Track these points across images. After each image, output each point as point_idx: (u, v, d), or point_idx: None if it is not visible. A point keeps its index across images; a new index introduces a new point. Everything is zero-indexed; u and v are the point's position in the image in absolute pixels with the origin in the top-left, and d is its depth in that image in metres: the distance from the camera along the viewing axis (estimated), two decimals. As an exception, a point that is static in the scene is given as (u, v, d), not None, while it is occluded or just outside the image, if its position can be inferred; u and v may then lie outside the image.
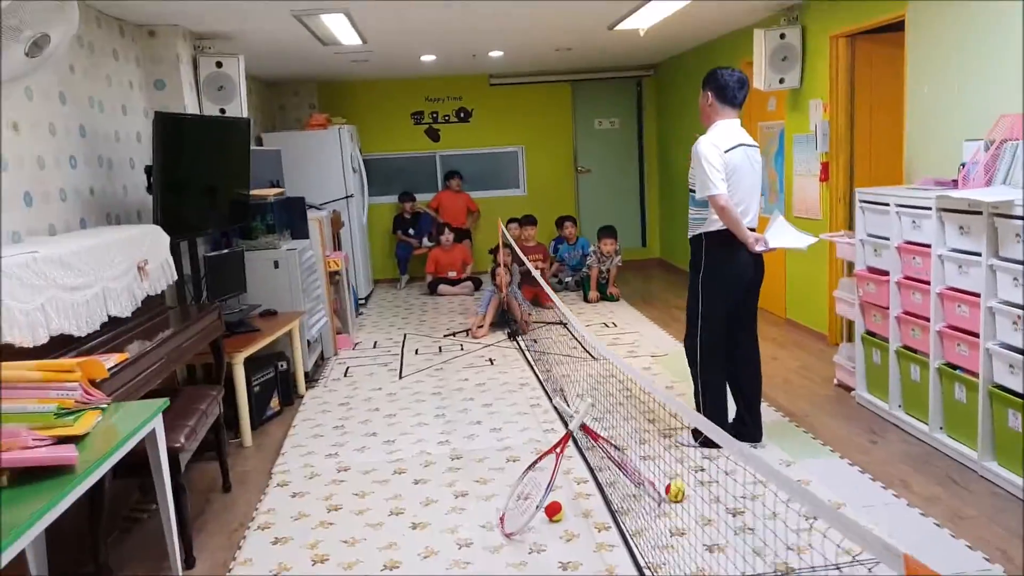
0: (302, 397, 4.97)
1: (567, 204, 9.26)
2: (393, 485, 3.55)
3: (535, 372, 5.17)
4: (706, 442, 3.68)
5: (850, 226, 5.14)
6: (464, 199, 9.01)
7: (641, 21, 5.58)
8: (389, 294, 8.55)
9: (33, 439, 2.09)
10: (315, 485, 3.60)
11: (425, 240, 8.90)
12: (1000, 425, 3.20)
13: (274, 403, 4.71)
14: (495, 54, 7.23)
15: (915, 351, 3.74)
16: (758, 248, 3.56)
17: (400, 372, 5.38)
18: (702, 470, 3.52)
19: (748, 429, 3.77)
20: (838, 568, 2.65)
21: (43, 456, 2.00)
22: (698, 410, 3.76)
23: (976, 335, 3.25)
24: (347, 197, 7.80)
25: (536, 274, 5.17)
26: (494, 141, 9.24)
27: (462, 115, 9.16)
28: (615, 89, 9.24)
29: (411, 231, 8.95)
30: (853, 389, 4.33)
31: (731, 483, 3.33)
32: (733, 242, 3.55)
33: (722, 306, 3.68)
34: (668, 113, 8.86)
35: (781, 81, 5.41)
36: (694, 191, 3.62)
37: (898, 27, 4.59)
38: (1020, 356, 3.02)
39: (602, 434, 3.56)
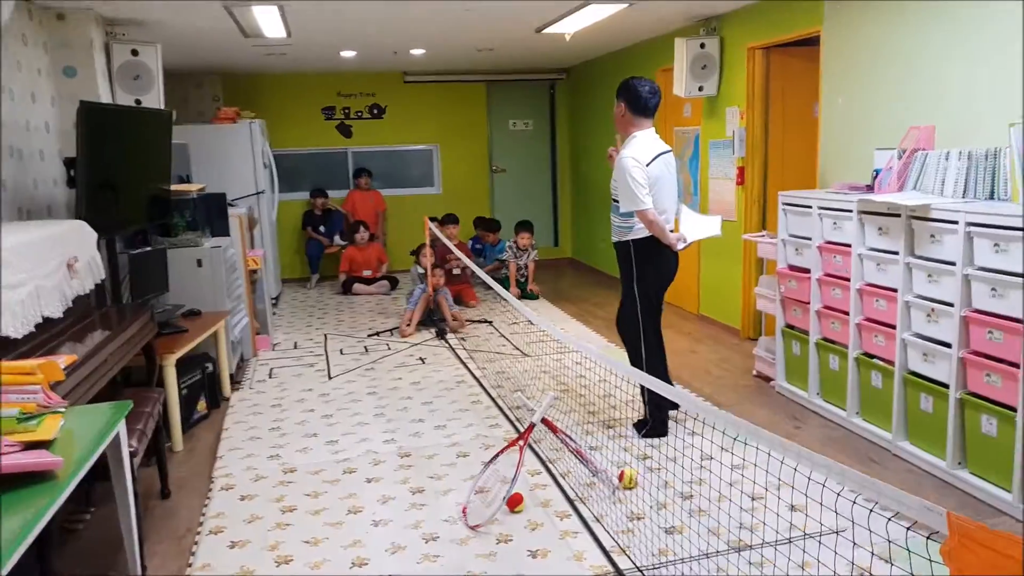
0: (228, 399, 4.83)
1: (482, 203, 9.34)
2: (345, 484, 3.52)
3: (469, 370, 5.22)
4: (649, 433, 3.87)
5: (764, 227, 5.48)
6: (375, 198, 8.94)
7: (569, 26, 5.73)
8: (300, 293, 8.37)
9: (6, 445, 1.99)
10: (262, 487, 3.53)
11: (337, 238, 8.77)
12: (913, 408, 3.52)
13: (201, 406, 4.55)
14: (417, 52, 7.22)
15: (834, 342, 4.04)
16: (680, 247, 3.81)
17: (329, 372, 5.30)
18: (648, 458, 3.68)
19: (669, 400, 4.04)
20: (790, 541, 2.85)
21: (29, 462, 1.90)
22: (645, 405, 3.95)
23: (893, 327, 3.56)
24: (258, 193, 7.57)
25: (477, 269, 5.25)
26: (408, 139, 9.21)
27: (375, 111, 9.08)
28: (529, 91, 9.40)
29: (321, 228, 8.79)
30: (773, 379, 4.62)
31: (678, 468, 3.51)
32: (659, 245, 3.78)
33: (656, 303, 3.92)
34: (580, 116, 9.09)
35: (700, 89, 5.68)
36: (618, 201, 3.80)
37: (810, 42, 4.93)
38: (933, 345, 3.33)
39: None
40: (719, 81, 5.72)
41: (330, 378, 5.18)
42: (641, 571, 2.73)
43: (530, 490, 3.36)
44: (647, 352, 3.87)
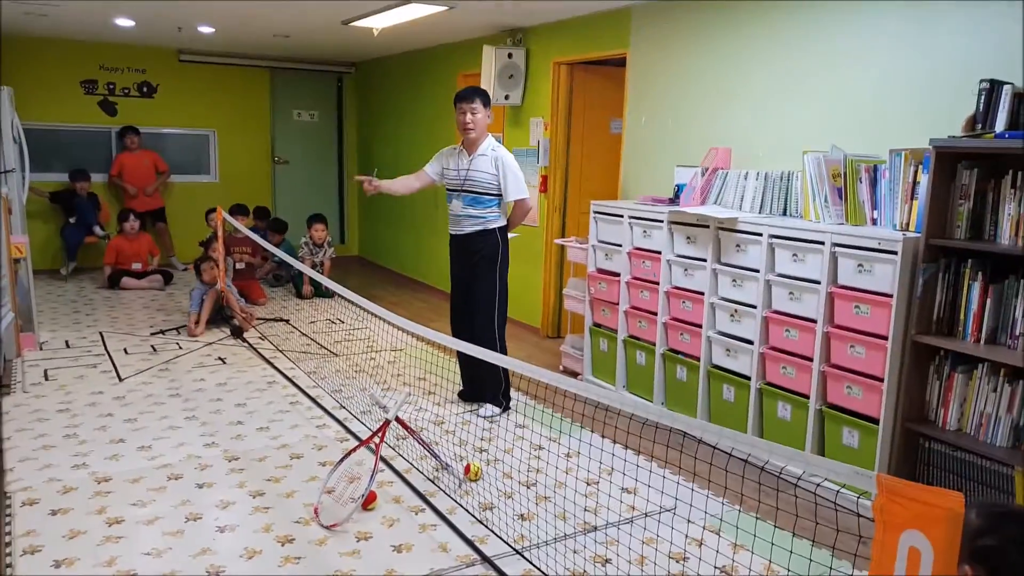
0: (-2, 405, 4.22)
1: (263, 195, 8.92)
2: (174, 491, 3.25)
3: (279, 370, 5.00)
4: (505, 409, 4.38)
5: (564, 234, 5.86)
6: (151, 158, 8.19)
7: (380, 21, 5.70)
8: (54, 286, 7.43)
9: None
10: (75, 499, 3.15)
11: (97, 229, 7.86)
12: (716, 397, 4.01)
13: (-34, 413, 3.94)
14: (205, 30, 6.73)
15: (640, 340, 4.46)
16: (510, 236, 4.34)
17: (118, 374, 4.81)
18: (485, 451, 3.82)
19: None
20: (631, 521, 3.13)
21: None
22: (499, 386, 4.33)
23: (699, 325, 4.02)
24: (6, 172, 6.60)
25: (292, 261, 5.06)
26: (182, 122, 8.54)
27: (145, 90, 8.31)
28: (315, 82, 9.14)
29: (72, 218, 7.79)
30: (580, 374, 4.98)
31: (513, 460, 3.69)
32: (507, 234, 4.23)
33: (506, 286, 4.32)
34: (371, 112, 9.01)
35: (507, 97, 5.94)
36: (489, 194, 4.14)
37: (610, 62, 5.38)
38: (736, 342, 3.82)
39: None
40: (524, 91, 6.03)
41: (121, 380, 4.70)
42: (517, 552, 2.85)
43: (378, 487, 3.34)
44: (502, 337, 4.28)
